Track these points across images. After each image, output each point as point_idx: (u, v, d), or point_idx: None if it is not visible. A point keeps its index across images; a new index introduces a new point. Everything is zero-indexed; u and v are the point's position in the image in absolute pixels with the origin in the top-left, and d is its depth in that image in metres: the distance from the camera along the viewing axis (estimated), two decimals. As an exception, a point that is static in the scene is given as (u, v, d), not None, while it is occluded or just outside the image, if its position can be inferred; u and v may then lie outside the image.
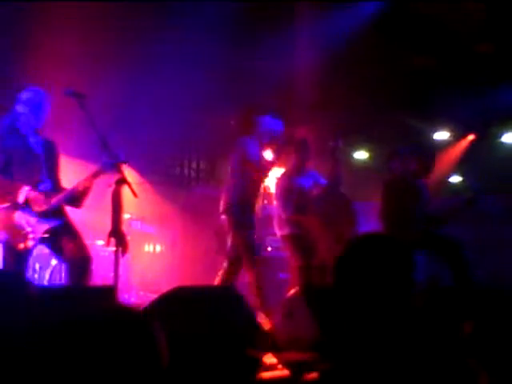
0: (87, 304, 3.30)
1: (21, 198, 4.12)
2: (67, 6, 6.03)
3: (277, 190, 6.34)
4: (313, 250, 6.04)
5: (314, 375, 1.71)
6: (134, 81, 7.15)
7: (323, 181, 6.35)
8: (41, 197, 4.21)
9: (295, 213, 6.12)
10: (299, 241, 6.05)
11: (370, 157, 10.28)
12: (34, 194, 4.17)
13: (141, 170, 7.95)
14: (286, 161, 6.48)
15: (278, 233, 6.29)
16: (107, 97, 6.67)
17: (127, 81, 7.13)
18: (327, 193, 6.65)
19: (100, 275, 6.74)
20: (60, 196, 4.34)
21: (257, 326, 4.45)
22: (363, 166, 9.99)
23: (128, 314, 1.43)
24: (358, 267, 1.75)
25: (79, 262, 4.31)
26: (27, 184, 4.23)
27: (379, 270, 1.72)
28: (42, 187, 4.32)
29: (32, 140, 4.41)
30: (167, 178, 9.05)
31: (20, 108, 4.36)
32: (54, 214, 4.30)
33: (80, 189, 4.33)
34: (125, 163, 4.09)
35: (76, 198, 4.40)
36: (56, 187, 4.43)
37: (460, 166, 9.43)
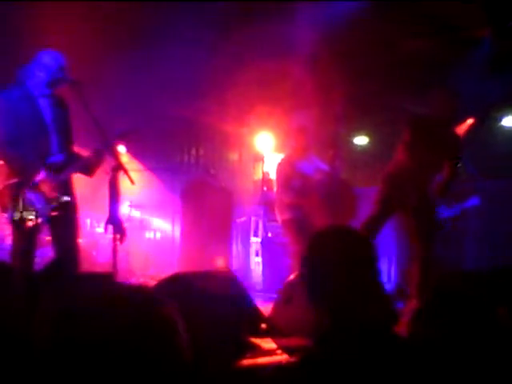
0: (86, 290, 3.32)
1: (32, 179, 4.08)
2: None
3: (278, 175, 6.34)
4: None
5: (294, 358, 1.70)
6: (134, 67, 7.12)
7: (324, 166, 6.34)
8: (51, 179, 4.14)
9: (296, 197, 6.11)
10: (300, 225, 6.02)
11: (369, 142, 10.25)
12: (44, 177, 4.12)
13: (140, 157, 7.95)
14: (287, 147, 6.48)
15: (279, 217, 6.28)
16: (105, 83, 6.65)
17: (126, 67, 7.10)
18: (328, 179, 6.65)
19: (99, 262, 6.77)
20: (70, 168, 4.26)
21: (256, 312, 4.47)
22: (363, 152, 9.96)
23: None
24: (322, 259, 1.75)
25: (67, 254, 4.29)
26: (37, 157, 4.15)
27: (342, 262, 1.72)
28: (52, 159, 4.24)
29: (43, 103, 4.28)
30: (166, 164, 9.05)
31: (37, 70, 4.24)
32: (62, 190, 4.21)
33: (93, 159, 4.28)
34: (137, 131, 4.12)
35: (88, 166, 4.33)
36: (68, 157, 4.32)
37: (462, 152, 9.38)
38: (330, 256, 1.75)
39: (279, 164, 6.42)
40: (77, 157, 4.37)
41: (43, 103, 4.28)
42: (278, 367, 1.77)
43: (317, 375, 1.61)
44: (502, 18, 6.65)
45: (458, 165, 5.64)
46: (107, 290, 1.46)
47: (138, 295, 1.42)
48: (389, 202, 5.40)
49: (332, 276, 1.71)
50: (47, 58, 4.25)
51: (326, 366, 1.62)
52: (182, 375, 1.39)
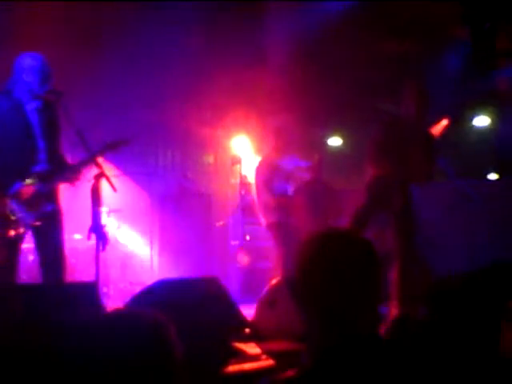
0: (70, 300, 3.29)
1: (11, 190, 4.04)
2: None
3: (258, 176, 6.24)
4: (297, 238, 5.97)
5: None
6: (109, 71, 7.07)
7: (303, 163, 6.33)
8: (31, 190, 4.10)
9: (280, 198, 6.05)
10: (285, 228, 5.96)
11: (343, 143, 10.32)
12: (25, 189, 4.07)
13: (115, 162, 7.89)
14: (265, 148, 6.45)
15: (264, 221, 6.19)
16: (82, 92, 6.60)
17: (101, 71, 7.05)
18: (312, 181, 6.67)
19: (78, 269, 6.70)
20: (56, 178, 4.23)
21: (239, 316, 4.47)
22: (337, 153, 10.02)
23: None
24: (319, 264, 1.70)
25: (54, 259, 4.25)
26: (21, 166, 4.10)
27: (342, 267, 1.68)
28: (38, 168, 4.20)
29: (31, 109, 4.23)
30: (142, 168, 8.99)
31: (25, 76, 4.18)
32: (47, 198, 4.18)
33: (78, 168, 4.22)
34: (127, 142, 4.16)
35: (72, 176, 4.27)
36: (54, 165, 4.28)
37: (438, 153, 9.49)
38: (322, 262, 1.70)
39: (258, 165, 6.37)
40: (64, 164, 4.34)
41: (31, 109, 4.23)
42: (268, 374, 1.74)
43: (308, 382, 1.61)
44: (479, 19, 6.73)
45: (435, 163, 5.70)
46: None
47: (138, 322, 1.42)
48: (372, 208, 5.44)
49: (325, 282, 1.67)
50: (28, 60, 4.21)
51: (316, 373, 1.61)
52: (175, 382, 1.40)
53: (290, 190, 6.20)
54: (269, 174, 6.10)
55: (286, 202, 6.09)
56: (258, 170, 6.28)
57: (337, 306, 1.64)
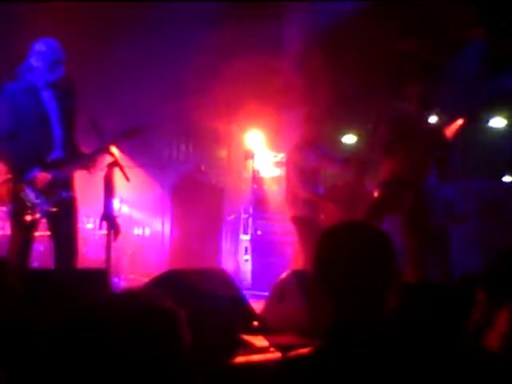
0: (81, 287, 3.31)
1: (28, 176, 4.06)
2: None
3: (289, 166, 6.07)
4: None
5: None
6: (122, 63, 7.10)
7: (333, 155, 6.20)
8: (48, 177, 4.12)
9: (314, 193, 5.90)
10: (309, 224, 5.79)
11: (357, 141, 10.27)
12: (41, 176, 4.10)
13: (129, 154, 7.92)
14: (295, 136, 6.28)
15: (291, 212, 6.01)
16: (96, 80, 6.62)
17: (114, 63, 7.08)
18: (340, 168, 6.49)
19: (89, 258, 6.74)
20: (71, 165, 4.26)
21: (248, 309, 4.48)
22: (352, 151, 9.98)
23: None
24: (337, 256, 1.72)
25: (67, 246, 4.27)
26: (36, 153, 4.13)
27: (359, 259, 1.70)
28: (53, 155, 4.22)
29: (46, 95, 4.23)
30: (156, 161, 9.02)
31: (33, 61, 4.19)
32: (63, 186, 4.21)
33: (95, 156, 4.23)
34: (141, 129, 4.11)
35: (89, 164, 4.29)
36: (69, 152, 4.29)
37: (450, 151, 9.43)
38: (341, 253, 1.71)
39: (288, 155, 6.22)
40: (78, 152, 4.35)
41: (47, 95, 4.24)
42: (275, 364, 1.75)
43: (317, 373, 1.61)
44: (496, 18, 6.67)
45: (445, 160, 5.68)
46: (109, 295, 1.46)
47: (149, 301, 1.42)
48: (386, 205, 5.41)
49: (342, 274, 1.68)
50: (41, 46, 4.20)
51: (326, 364, 1.62)
52: (183, 372, 1.40)
53: (321, 184, 6.05)
54: (300, 163, 5.90)
55: (319, 199, 5.94)
56: (290, 159, 6.10)
57: (351, 294, 1.66)
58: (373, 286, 1.67)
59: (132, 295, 1.46)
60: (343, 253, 1.70)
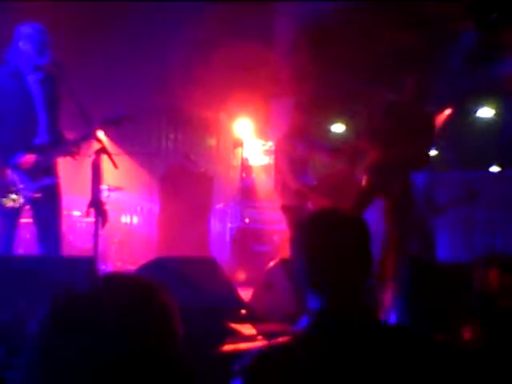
0: (68, 275, 3.29)
1: (12, 161, 4.03)
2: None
3: (279, 156, 6.06)
4: None
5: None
6: (112, 51, 7.05)
7: (322, 144, 6.23)
8: (32, 160, 4.09)
9: (301, 184, 5.90)
10: (298, 213, 5.77)
11: (346, 129, 10.27)
12: (26, 161, 4.06)
13: (118, 141, 7.88)
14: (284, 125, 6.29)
15: (280, 201, 6.02)
16: (84, 68, 6.57)
17: (105, 51, 7.03)
18: (328, 157, 6.53)
19: (76, 246, 6.71)
20: (56, 151, 4.22)
21: (236, 297, 4.49)
22: (340, 140, 9.98)
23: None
24: (310, 243, 1.74)
25: (50, 233, 4.25)
26: (21, 137, 4.09)
27: (335, 246, 1.71)
28: (38, 141, 4.18)
29: (32, 80, 4.17)
30: (144, 149, 8.99)
31: (22, 44, 4.11)
32: (46, 171, 4.18)
33: (80, 142, 4.19)
34: (129, 118, 4.06)
35: (73, 150, 4.25)
36: (54, 138, 4.25)
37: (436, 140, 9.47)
38: (317, 239, 1.72)
39: (278, 144, 6.21)
40: (63, 139, 4.31)
41: (32, 80, 4.19)
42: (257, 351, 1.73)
43: (298, 361, 1.61)
44: (484, 10, 6.69)
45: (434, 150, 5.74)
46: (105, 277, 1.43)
47: (137, 282, 1.40)
48: (372, 192, 5.44)
49: (320, 260, 1.70)
50: (28, 29, 4.13)
51: (313, 353, 1.62)
52: (176, 362, 1.38)
53: (310, 173, 6.06)
54: (289, 153, 5.90)
55: (309, 191, 5.93)
56: (279, 149, 6.10)
57: (331, 279, 1.68)
58: (348, 273, 1.69)
59: (123, 281, 1.43)
60: (318, 240, 1.71)
